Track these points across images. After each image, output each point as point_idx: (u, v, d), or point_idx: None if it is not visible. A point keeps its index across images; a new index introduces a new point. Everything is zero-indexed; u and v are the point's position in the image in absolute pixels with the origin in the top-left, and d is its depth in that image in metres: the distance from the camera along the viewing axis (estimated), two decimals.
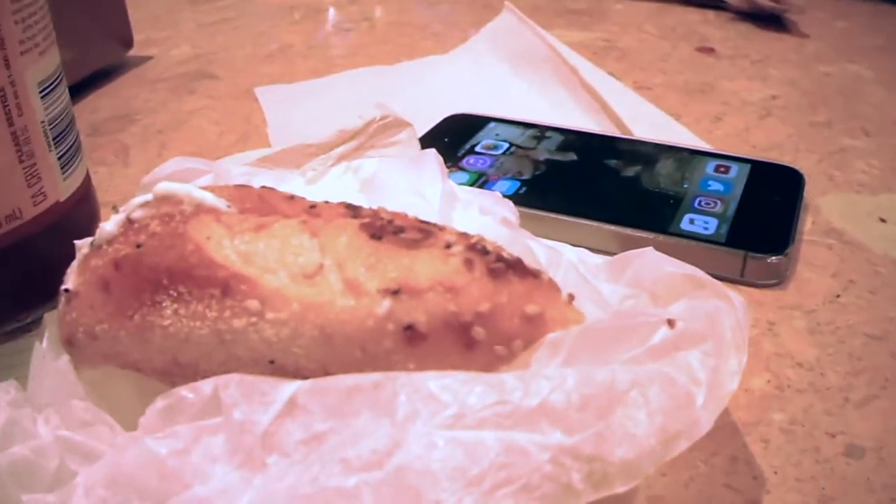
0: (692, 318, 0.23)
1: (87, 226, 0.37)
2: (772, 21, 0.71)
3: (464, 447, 0.19)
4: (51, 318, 0.30)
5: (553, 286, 0.23)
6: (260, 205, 0.25)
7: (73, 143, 0.36)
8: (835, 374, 0.31)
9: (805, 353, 0.32)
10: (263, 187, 0.27)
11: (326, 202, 0.26)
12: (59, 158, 0.35)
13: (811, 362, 0.32)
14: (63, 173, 0.35)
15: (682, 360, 0.22)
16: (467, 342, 0.21)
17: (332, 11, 0.81)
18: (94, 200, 0.39)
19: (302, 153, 0.38)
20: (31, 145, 0.33)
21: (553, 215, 0.38)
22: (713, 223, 0.37)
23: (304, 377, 0.21)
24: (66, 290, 0.26)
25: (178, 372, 0.24)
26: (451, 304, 0.21)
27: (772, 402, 0.30)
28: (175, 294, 0.23)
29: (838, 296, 0.36)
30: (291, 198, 0.26)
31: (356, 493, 0.19)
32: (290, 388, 0.21)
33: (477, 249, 0.22)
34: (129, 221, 0.25)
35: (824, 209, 0.42)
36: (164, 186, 0.25)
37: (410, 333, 0.21)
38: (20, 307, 0.36)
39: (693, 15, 0.74)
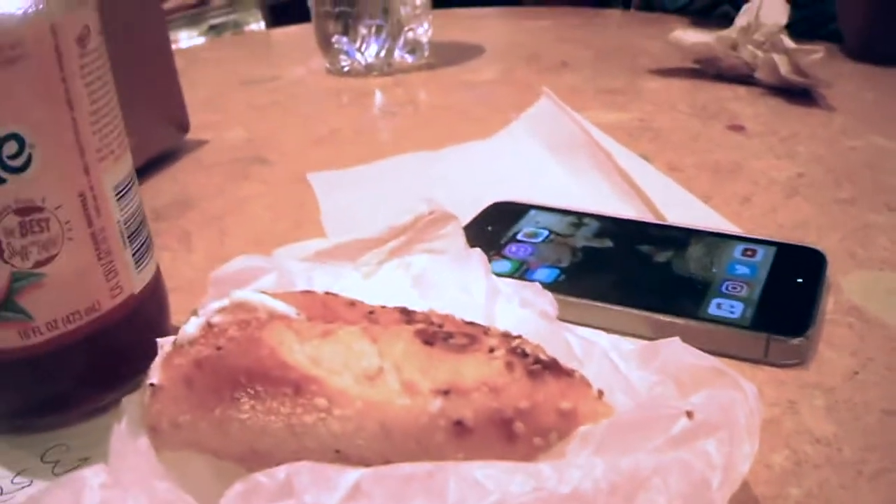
0: (709, 408, 0.25)
1: (158, 314, 0.41)
2: (801, 95, 0.74)
3: None
4: (129, 402, 0.33)
5: (585, 383, 0.26)
6: (324, 311, 0.29)
7: (145, 239, 0.39)
8: (850, 449, 0.33)
9: (823, 429, 0.35)
10: (327, 293, 0.30)
11: (383, 307, 0.29)
12: (134, 255, 0.38)
13: (828, 438, 0.34)
14: (137, 268, 0.38)
15: (700, 448, 0.24)
16: (509, 435, 0.24)
17: (378, 95, 0.85)
18: (164, 290, 0.42)
19: (356, 247, 0.41)
20: (108, 244, 0.36)
21: (590, 302, 0.41)
22: (739, 307, 0.40)
23: (367, 465, 0.24)
24: (152, 385, 0.29)
25: (254, 459, 0.27)
26: (495, 402, 0.24)
27: (790, 478, 0.32)
28: (252, 392, 0.26)
29: (857, 373, 0.38)
30: (352, 304, 0.29)
31: None
32: (354, 475, 0.24)
33: (517, 353, 0.25)
34: (209, 325, 0.28)
35: (846, 288, 0.44)
36: (240, 295, 0.28)
37: (459, 428, 0.24)
38: (97, 391, 0.38)
39: (724, 91, 0.77)
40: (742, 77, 0.78)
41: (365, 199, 0.59)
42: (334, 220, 0.56)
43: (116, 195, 0.37)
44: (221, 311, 0.28)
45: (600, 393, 0.26)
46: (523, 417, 0.25)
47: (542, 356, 0.26)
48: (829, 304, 0.43)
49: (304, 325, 0.27)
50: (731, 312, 0.40)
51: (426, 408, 0.24)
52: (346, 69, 0.92)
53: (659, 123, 0.70)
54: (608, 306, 0.41)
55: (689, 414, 0.25)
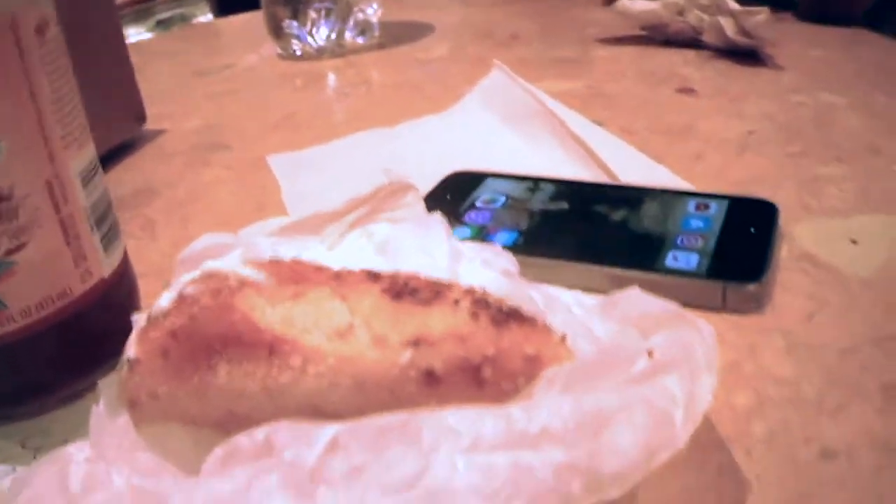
0: (669, 347, 0.27)
1: (128, 298, 0.42)
2: (748, 57, 0.75)
3: (480, 469, 0.23)
4: (105, 384, 0.33)
5: (547, 329, 0.27)
6: (293, 276, 0.29)
7: (112, 223, 0.40)
8: (810, 387, 0.35)
9: (783, 370, 0.36)
10: (293, 260, 0.31)
11: (349, 271, 0.30)
12: (102, 239, 0.39)
13: (789, 378, 0.35)
14: (105, 252, 0.39)
15: (661, 385, 0.25)
16: (478, 382, 0.25)
17: (331, 77, 0.86)
18: (132, 274, 0.43)
19: (318, 221, 0.42)
20: (76, 230, 0.37)
21: (549, 261, 0.42)
22: (694, 258, 0.41)
23: (343, 420, 0.25)
24: (129, 359, 0.30)
25: (234, 422, 0.28)
26: (462, 350, 0.25)
27: (753, 417, 0.33)
28: (227, 357, 0.27)
29: (813, 316, 0.39)
30: (319, 268, 0.30)
31: None
32: (330, 430, 0.25)
33: (481, 303, 0.26)
34: (182, 297, 0.29)
35: (798, 236, 0.46)
36: (210, 265, 0.29)
37: (429, 377, 0.25)
38: (72, 376, 0.39)
39: (673, 56, 0.78)
40: (689, 41, 0.79)
41: (325, 178, 0.60)
42: (296, 199, 0.57)
43: (82, 181, 0.37)
44: (193, 282, 0.29)
45: (563, 338, 0.27)
46: (490, 363, 0.25)
47: (505, 305, 0.27)
48: (784, 253, 0.44)
49: (274, 289, 0.28)
50: (688, 264, 0.41)
51: (396, 360, 0.25)
52: (297, 53, 0.93)
53: (610, 90, 0.71)
54: (567, 263, 0.42)
55: (650, 353, 0.26)
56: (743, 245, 0.43)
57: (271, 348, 0.26)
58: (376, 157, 0.62)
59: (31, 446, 0.37)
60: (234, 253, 0.37)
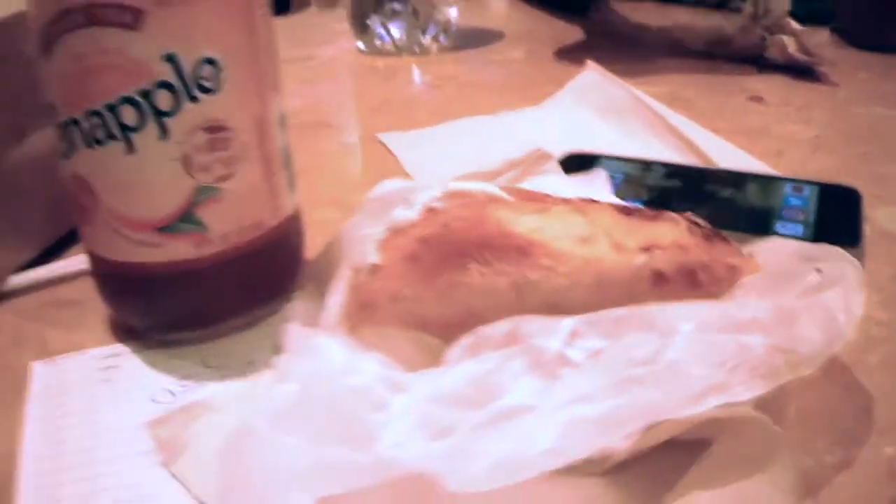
0: (830, 269, 0.33)
1: (299, 238, 0.46)
2: (805, 73, 0.83)
3: (710, 345, 0.29)
4: (297, 306, 0.39)
5: (738, 248, 0.34)
6: (531, 196, 0.36)
7: (292, 166, 0.44)
8: None
9: (881, 316, 0.43)
10: (516, 187, 0.37)
11: (573, 198, 0.37)
12: (287, 179, 0.43)
13: (886, 322, 0.43)
14: (290, 191, 0.44)
15: (828, 295, 0.32)
16: (694, 283, 0.32)
17: (416, 71, 0.93)
18: (301, 217, 0.47)
19: (476, 178, 0.49)
20: (273, 166, 0.42)
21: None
22: (800, 228, 0.48)
23: (576, 315, 0.32)
24: (372, 265, 0.36)
25: (468, 322, 0.34)
26: (683, 257, 0.32)
27: (864, 351, 0.40)
28: (480, 259, 0.33)
29: None
30: (546, 194, 0.37)
31: (642, 378, 0.29)
32: (571, 321, 0.31)
33: (694, 221, 0.33)
34: (430, 210, 0.35)
35: (876, 219, 0.53)
36: (456, 185, 0.36)
37: (658, 277, 0.32)
38: (252, 305, 0.44)
39: (738, 69, 0.85)
40: (751, 57, 0.86)
41: (443, 154, 0.66)
42: (421, 171, 0.63)
43: (279, 124, 0.42)
44: (438, 199, 0.35)
45: (750, 255, 0.34)
46: (704, 269, 0.32)
47: (708, 226, 0.34)
48: (866, 231, 0.51)
49: (520, 204, 0.35)
50: (795, 231, 0.48)
51: (633, 261, 0.32)
52: (378, 50, 0.99)
53: (686, 95, 0.78)
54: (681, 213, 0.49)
55: (819, 270, 0.33)
56: (838, 219, 0.50)
57: (523, 251, 0.33)
58: (485, 139, 0.68)
59: (214, 365, 0.41)
60: (426, 192, 0.43)
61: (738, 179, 0.55)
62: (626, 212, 0.34)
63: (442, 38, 0.99)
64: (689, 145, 0.61)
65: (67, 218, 0.51)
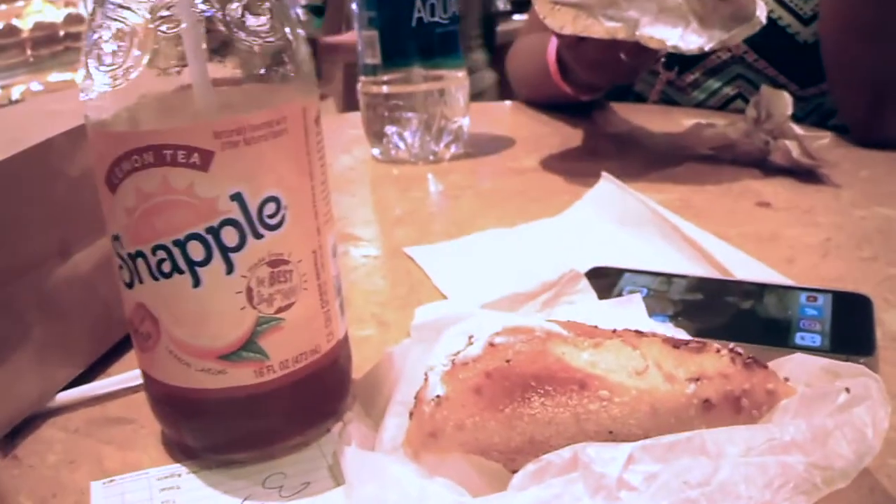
0: (857, 387, 0.37)
1: (348, 360, 0.49)
2: (808, 175, 0.87)
3: (756, 466, 0.33)
4: (353, 429, 0.42)
5: (775, 373, 0.38)
6: (582, 331, 0.40)
7: (342, 292, 0.47)
8: None
9: None
10: (569, 321, 0.41)
11: (623, 329, 0.40)
12: (339, 305, 0.46)
13: None
14: (341, 316, 0.46)
15: (857, 412, 0.36)
16: (738, 409, 0.36)
17: (432, 180, 0.97)
18: (349, 338, 0.49)
19: (515, 300, 0.52)
20: (327, 295, 0.44)
21: (706, 339, 0.52)
22: (818, 338, 0.52)
23: (632, 441, 0.35)
24: (438, 396, 0.39)
25: (529, 449, 0.37)
26: (728, 385, 0.36)
27: (886, 454, 0.43)
28: (542, 391, 0.37)
29: None
30: (595, 327, 0.40)
31: (697, 500, 0.32)
32: (627, 447, 0.34)
33: (735, 351, 0.37)
34: (492, 345, 0.39)
35: (887, 323, 0.56)
36: (514, 321, 0.39)
37: (707, 405, 0.36)
38: (307, 426, 0.46)
39: (743, 173, 0.89)
40: (755, 161, 0.90)
41: (469, 268, 0.69)
42: (449, 284, 0.66)
43: (332, 253, 0.45)
44: (499, 334, 0.39)
45: (786, 379, 0.38)
46: (746, 395, 0.36)
47: (748, 355, 0.37)
48: (878, 335, 0.54)
49: (577, 339, 0.38)
50: (813, 342, 0.51)
51: (684, 391, 0.36)
52: (393, 157, 1.03)
53: (696, 202, 0.82)
54: (716, 342, 0.52)
55: (847, 390, 0.36)
56: (852, 327, 0.53)
57: (582, 384, 0.36)
58: (508, 252, 0.72)
59: (272, 486, 0.43)
60: (470, 321, 0.46)
61: (755, 291, 0.58)
62: (673, 343, 0.38)
63: (454, 146, 1.04)
64: (705, 255, 0.65)
65: (111, 334, 0.55)
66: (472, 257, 0.71)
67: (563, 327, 0.39)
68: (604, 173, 0.81)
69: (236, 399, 0.41)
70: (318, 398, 0.46)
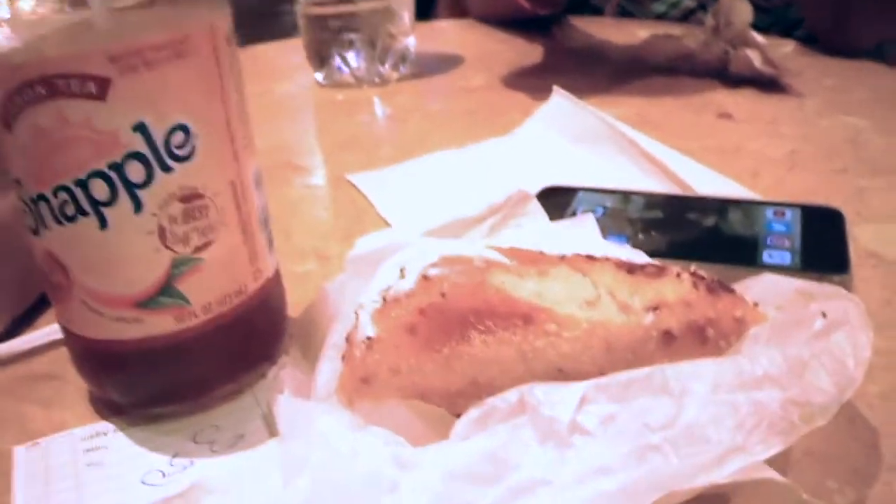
0: (835, 311, 0.33)
1: (281, 298, 0.45)
2: (769, 85, 0.83)
3: (726, 405, 0.29)
4: (285, 375, 0.38)
5: (743, 297, 0.33)
6: (526, 259, 0.35)
7: (269, 225, 0.43)
8: None
9: (878, 344, 0.42)
10: (512, 248, 0.37)
11: (566, 255, 0.36)
12: (267, 239, 0.42)
13: (886, 350, 0.42)
14: (269, 251, 0.43)
15: (835, 339, 0.32)
16: (703, 340, 0.32)
17: (378, 103, 0.92)
18: (280, 276, 0.46)
19: (459, 226, 0.48)
20: (251, 229, 0.40)
21: (666, 260, 0.48)
22: (787, 256, 0.48)
23: (583, 380, 0.31)
24: (369, 338, 0.35)
25: (471, 392, 0.33)
26: (691, 314, 0.32)
27: (865, 381, 0.40)
28: (482, 328, 0.33)
29: (890, 301, 0.46)
30: (541, 253, 0.36)
31: (659, 445, 0.28)
32: (579, 387, 0.30)
33: (697, 275, 0.33)
34: (426, 279, 0.34)
35: (859, 238, 0.53)
36: (451, 250, 0.35)
37: (667, 337, 0.31)
38: (237, 373, 0.43)
39: (702, 85, 0.85)
40: (715, 72, 0.86)
41: (415, 193, 0.65)
42: (395, 213, 0.62)
43: (255, 183, 0.41)
44: (433, 266, 0.35)
45: (755, 304, 0.34)
46: (712, 324, 0.32)
47: (712, 279, 0.33)
48: (851, 252, 0.51)
49: (520, 268, 0.34)
50: (783, 260, 0.48)
51: (641, 322, 0.32)
52: (337, 81, 0.98)
53: (655, 116, 0.78)
54: (682, 262, 0.48)
55: (824, 314, 0.32)
56: (823, 243, 0.49)
57: (527, 317, 0.32)
58: (457, 175, 0.68)
59: (204, 440, 0.40)
60: (409, 251, 0.42)
61: (719, 207, 0.54)
62: (628, 269, 0.33)
63: (401, 67, 0.99)
64: (666, 171, 0.61)
65: (37, 285, 0.50)
66: (419, 182, 0.67)
67: (504, 255, 0.35)
68: (556, 88, 0.76)
69: (158, 349, 0.39)
70: (248, 342, 0.43)
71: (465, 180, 0.66)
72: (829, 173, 0.63)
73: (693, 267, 0.34)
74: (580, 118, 0.71)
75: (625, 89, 0.87)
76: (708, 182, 0.60)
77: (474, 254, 0.35)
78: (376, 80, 0.98)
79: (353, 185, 0.69)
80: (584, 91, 0.78)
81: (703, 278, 0.33)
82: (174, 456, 0.39)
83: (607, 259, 0.34)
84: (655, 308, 0.32)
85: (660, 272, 0.33)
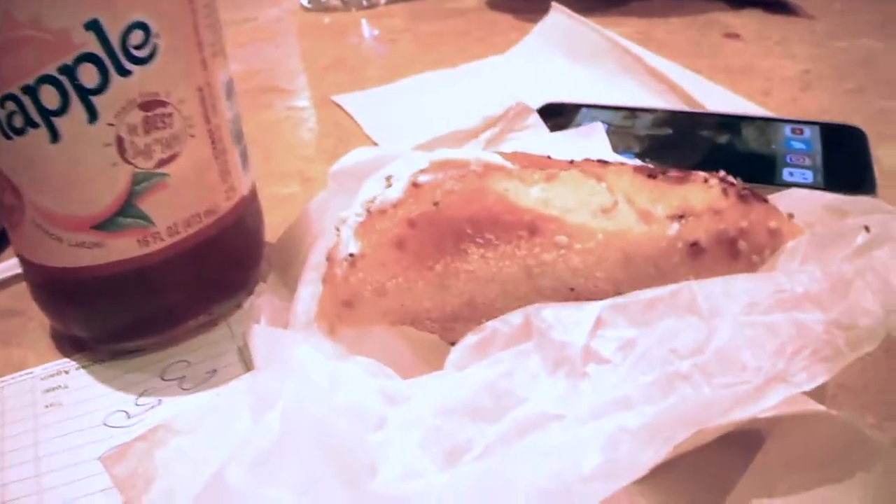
0: (875, 225, 0.29)
1: (258, 220, 0.42)
2: (778, 6, 0.78)
3: (764, 327, 0.25)
4: (263, 302, 0.35)
5: (776, 208, 0.29)
6: (535, 161, 0.31)
7: (244, 140, 0.39)
8: None
9: None
10: (515, 152, 0.33)
11: (583, 159, 0.32)
12: (241, 155, 0.39)
13: None
14: (244, 168, 0.39)
15: (878, 255, 0.28)
16: (733, 253, 0.28)
17: (366, 26, 0.87)
18: (257, 196, 0.42)
19: (452, 140, 0.44)
20: (223, 142, 0.37)
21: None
22: (809, 174, 0.44)
23: (598, 300, 0.27)
24: (351, 255, 0.31)
25: (469, 314, 0.29)
26: (721, 223, 0.28)
27: None
28: (481, 240, 0.29)
29: None
30: (549, 157, 0.32)
31: (688, 374, 0.25)
32: (595, 308, 0.26)
33: (727, 181, 0.29)
34: (415, 186, 0.30)
35: (884, 159, 0.49)
36: (444, 153, 0.31)
37: (695, 249, 0.27)
38: (210, 301, 0.39)
39: (706, 6, 0.81)
40: None
41: (405, 114, 0.61)
42: (383, 133, 0.58)
43: (226, 93, 0.37)
44: (424, 171, 0.30)
45: (790, 216, 0.30)
46: (744, 236, 0.28)
47: (742, 185, 0.29)
48: (875, 172, 0.47)
49: (524, 172, 0.30)
50: (805, 178, 0.44)
51: (665, 232, 0.27)
52: (323, 4, 0.93)
53: (659, 35, 0.74)
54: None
55: (867, 228, 0.28)
56: (846, 162, 0.46)
57: (533, 227, 0.28)
58: (449, 95, 0.63)
59: (172, 377, 0.37)
60: (397, 163, 0.38)
61: (733, 123, 0.50)
62: (648, 173, 0.29)
63: None
64: (674, 88, 0.57)
65: None
66: (410, 102, 0.63)
67: (505, 159, 0.31)
68: (554, 3, 0.72)
69: (121, 275, 0.35)
70: (221, 268, 0.39)
71: (459, 100, 0.61)
72: (845, 94, 0.59)
73: (722, 173, 0.30)
74: (580, 34, 0.67)
75: (624, 9, 0.83)
76: (719, 99, 0.56)
77: (471, 157, 0.30)
78: (364, 2, 0.93)
79: (340, 107, 0.65)
80: (583, 9, 0.74)
81: (733, 184, 0.29)
82: (140, 395, 0.36)
83: (624, 164, 0.30)
84: (681, 216, 0.28)
85: (685, 177, 0.29)
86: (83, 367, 0.38)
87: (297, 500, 0.22)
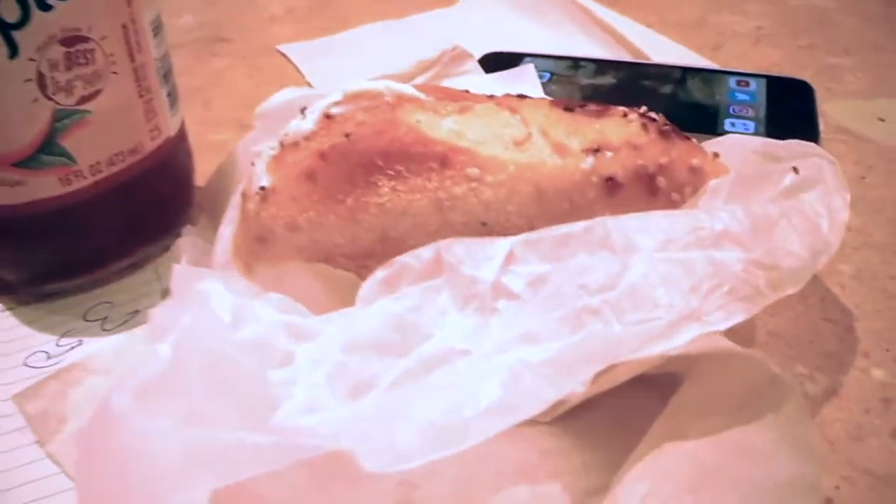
0: (806, 168, 0.28)
1: (187, 162, 0.41)
2: None
3: (679, 264, 0.24)
4: (185, 243, 0.33)
5: (700, 146, 0.28)
6: (449, 94, 0.30)
7: (173, 81, 0.39)
8: (879, 233, 0.37)
9: (852, 221, 0.38)
10: (431, 84, 0.31)
11: (500, 95, 0.30)
12: (168, 95, 0.37)
13: (858, 227, 0.38)
14: (171, 110, 0.38)
15: (807, 198, 0.27)
16: (652, 190, 0.27)
17: None
18: (188, 139, 0.41)
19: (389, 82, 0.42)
20: (148, 81, 0.36)
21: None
22: (751, 125, 0.43)
23: (511, 235, 0.26)
24: (263, 188, 0.29)
25: (381, 250, 0.28)
26: (639, 158, 0.27)
27: (836, 258, 0.36)
28: (392, 173, 0.27)
29: (863, 177, 0.42)
30: (467, 91, 0.30)
31: (598, 309, 0.24)
32: (505, 243, 0.26)
33: (647, 116, 0.28)
34: (328, 117, 0.29)
35: (830, 114, 0.48)
36: (356, 86, 0.29)
37: (611, 184, 0.26)
38: (135, 243, 0.38)
39: None
40: None
41: (350, 63, 0.60)
42: (324, 82, 0.57)
43: (153, 31, 0.36)
44: (336, 104, 0.29)
45: (715, 154, 0.29)
46: (663, 172, 0.27)
47: (664, 121, 0.28)
48: (821, 127, 0.46)
49: (437, 103, 0.28)
50: (746, 128, 0.43)
51: (579, 165, 0.26)
52: None
53: None
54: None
55: (796, 169, 0.28)
56: (791, 114, 0.45)
57: (444, 159, 0.27)
58: (395, 46, 0.62)
59: (95, 317, 0.36)
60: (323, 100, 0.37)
61: (677, 74, 0.49)
62: (565, 106, 0.28)
63: None
64: (620, 39, 0.56)
65: None
66: (354, 52, 0.61)
67: (420, 91, 0.29)
68: None
69: (42, 215, 0.34)
70: (147, 210, 0.38)
71: (404, 50, 0.59)
72: (796, 49, 0.58)
73: (643, 108, 0.29)
74: None
75: None
76: (667, 52, 0.55)
77: (384, 87, 0.29)
78: None
79: (285, 57, 0.63)
80: None
81: (654, 120, 0.28)
82: (62, 336, 0.35)
83: (542, 99, 0.29)
84: (596, 150, 0.27)
85: (603, 111, 0.28)
86: (8, 309, 0.37)
87: (182, 429, 0.21)
